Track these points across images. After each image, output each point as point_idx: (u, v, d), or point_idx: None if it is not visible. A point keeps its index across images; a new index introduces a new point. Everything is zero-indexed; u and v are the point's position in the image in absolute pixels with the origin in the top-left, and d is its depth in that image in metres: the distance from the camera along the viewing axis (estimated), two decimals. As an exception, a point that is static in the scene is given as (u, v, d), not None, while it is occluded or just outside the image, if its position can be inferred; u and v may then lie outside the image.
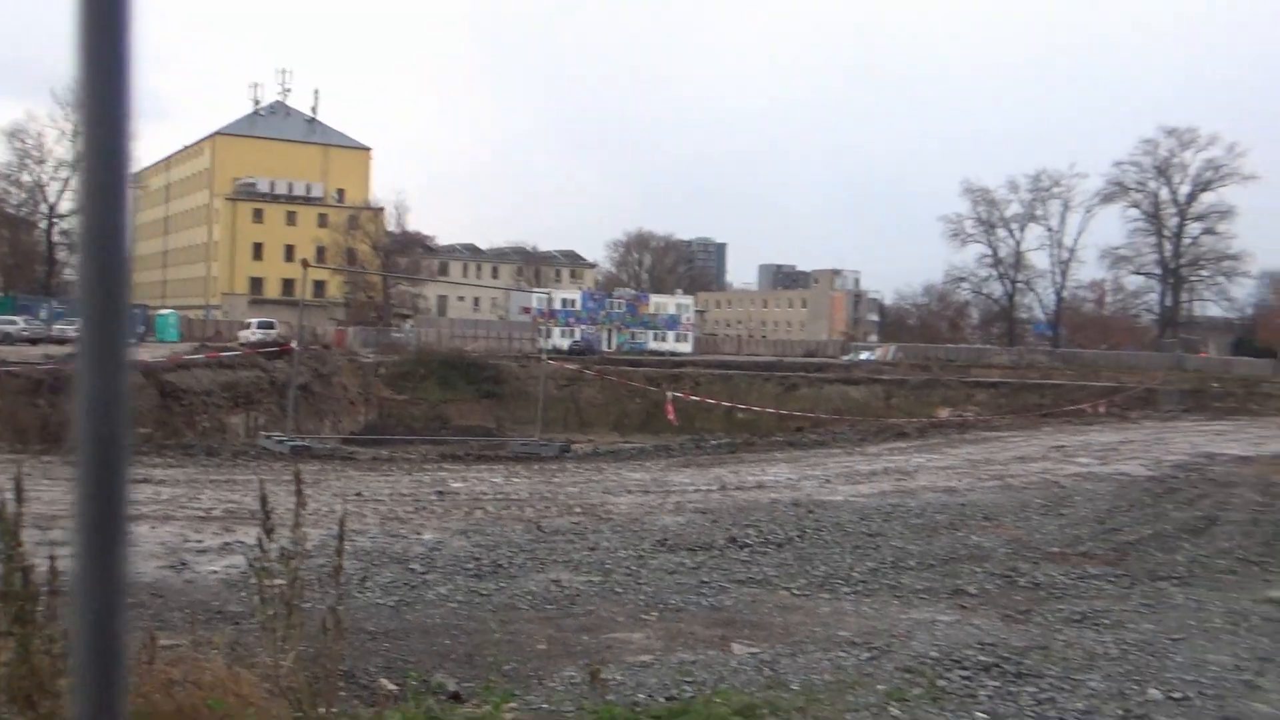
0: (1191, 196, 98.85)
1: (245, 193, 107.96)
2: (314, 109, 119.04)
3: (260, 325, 65.95)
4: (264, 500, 4.89)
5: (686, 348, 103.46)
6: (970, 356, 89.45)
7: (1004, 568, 10.92)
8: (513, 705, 5.94)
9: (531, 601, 8.88)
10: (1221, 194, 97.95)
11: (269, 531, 4.79)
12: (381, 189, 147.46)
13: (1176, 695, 6.63)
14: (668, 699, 6.35)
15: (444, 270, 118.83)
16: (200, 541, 10.98)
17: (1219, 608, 9.30)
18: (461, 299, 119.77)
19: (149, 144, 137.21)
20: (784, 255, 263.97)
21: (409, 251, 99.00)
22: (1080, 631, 8.29)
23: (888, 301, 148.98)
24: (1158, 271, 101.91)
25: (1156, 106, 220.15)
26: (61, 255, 79.61)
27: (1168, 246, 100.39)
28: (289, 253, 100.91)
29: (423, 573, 9.79)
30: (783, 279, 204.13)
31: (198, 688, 4.82)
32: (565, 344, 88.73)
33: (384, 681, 6.43)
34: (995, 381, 66.78)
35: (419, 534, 11.83)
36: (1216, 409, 45.55)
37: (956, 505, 15.21)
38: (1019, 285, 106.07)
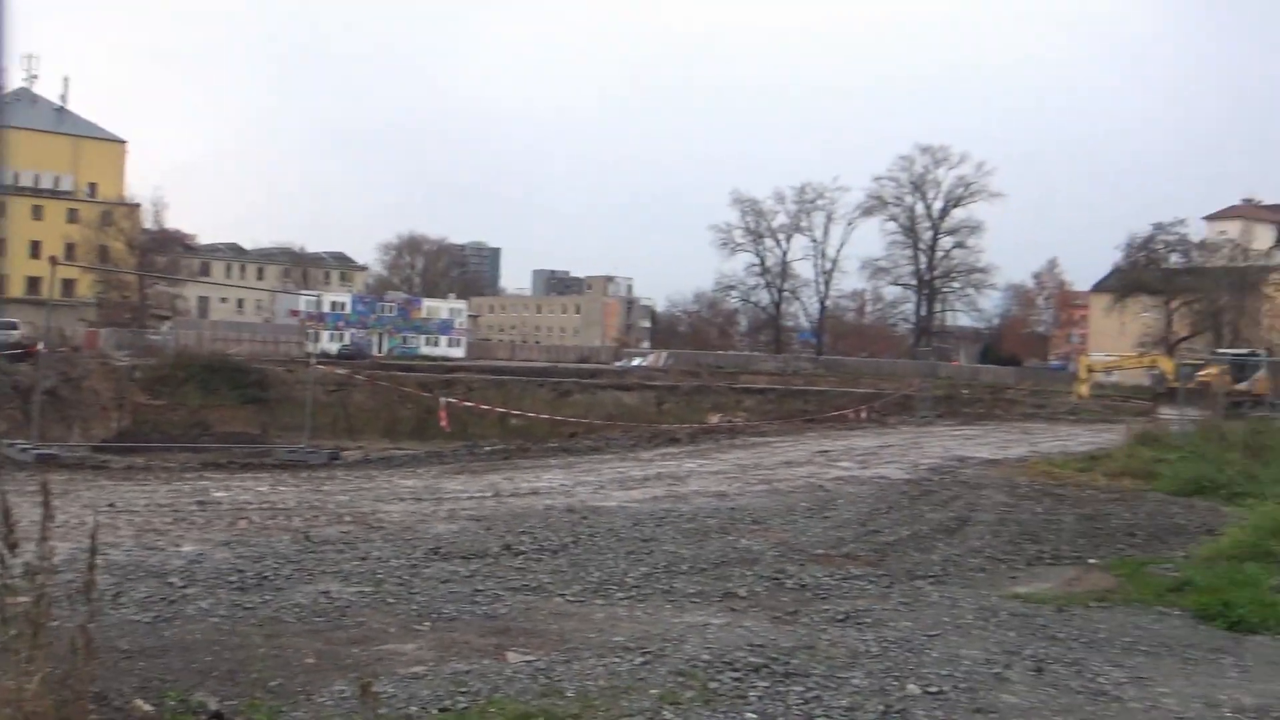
0: (944, 211, 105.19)
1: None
2: (63, 97, 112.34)
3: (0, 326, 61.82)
4: (6, 513, 4.59)
5: (460, 353, 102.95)
6: (739, 363, 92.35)
7: (772, 570, 11.22)
8: (280, 722, 5.73)
9: (299, 614, 8.57)
10: (971, 210, 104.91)
11: (12, 546, 4.52)
12: (138, 184, 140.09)
13: (933, 690, 6.97)
14: (441, 710, 6.25)
15: (205, 270, 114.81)
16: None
17: (971, 604, 9.84)
18: (224, 300, 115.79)
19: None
20: (558, 261, 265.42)
21: (167, 250, 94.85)
22: (844, 631, 8.61)
23: (660, 309, 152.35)
24: (914, 283, 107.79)
25: (922, 125, 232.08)
26: None
27: (923, 259, 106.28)
28: (35, 249, 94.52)
29: (182, 587, 9.30)
30: (557, 285, 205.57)
31: (-73, 718, 4.46)
32: (335, 348, 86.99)
33: (139, 703, 6.07)
34: (763, 388, 69.05)
35: (178, 546, 11.24)
36: (966, 414, 47.93)
37: (727, 510, 15.54)
38: (785, 294, 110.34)
